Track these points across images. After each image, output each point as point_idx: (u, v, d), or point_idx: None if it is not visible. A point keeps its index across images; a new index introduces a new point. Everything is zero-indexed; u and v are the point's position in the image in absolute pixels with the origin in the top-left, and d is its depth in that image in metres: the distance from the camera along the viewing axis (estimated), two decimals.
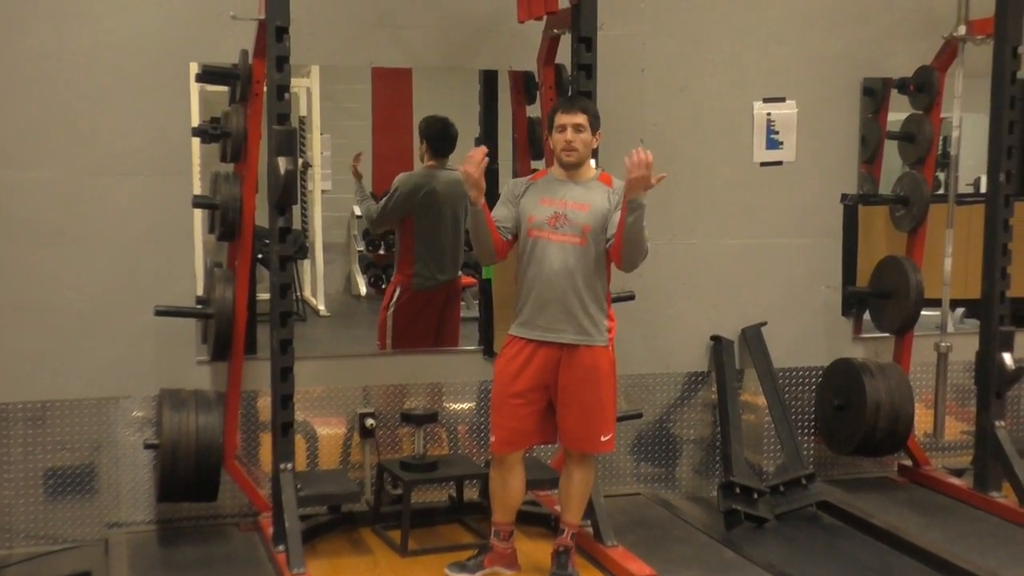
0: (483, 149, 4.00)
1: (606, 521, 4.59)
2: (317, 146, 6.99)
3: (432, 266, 5.64)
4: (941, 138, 5.78)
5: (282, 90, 4.29)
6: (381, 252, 7.37)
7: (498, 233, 4.15)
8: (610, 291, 4.28)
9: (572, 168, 4.18)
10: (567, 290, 4.11)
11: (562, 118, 4.14)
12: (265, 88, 4.47)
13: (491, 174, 5.69)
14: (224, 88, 4.83)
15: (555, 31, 4.89)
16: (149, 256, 4.83)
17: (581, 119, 4.13)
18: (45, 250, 4.72)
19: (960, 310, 6.25)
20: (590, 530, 4.61)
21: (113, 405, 4.85)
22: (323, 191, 7.08)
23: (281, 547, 4.33)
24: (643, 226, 4.00)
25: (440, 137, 5.71)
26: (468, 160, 3.98)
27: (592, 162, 4.44)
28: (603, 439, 4.24)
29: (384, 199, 5.70)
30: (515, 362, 4.19)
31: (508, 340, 4.26)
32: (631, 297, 5.13)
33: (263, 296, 4.75)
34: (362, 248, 7.66)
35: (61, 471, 4.80)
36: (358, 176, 5.94)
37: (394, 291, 5.65)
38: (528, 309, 4.18)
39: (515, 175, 5.18)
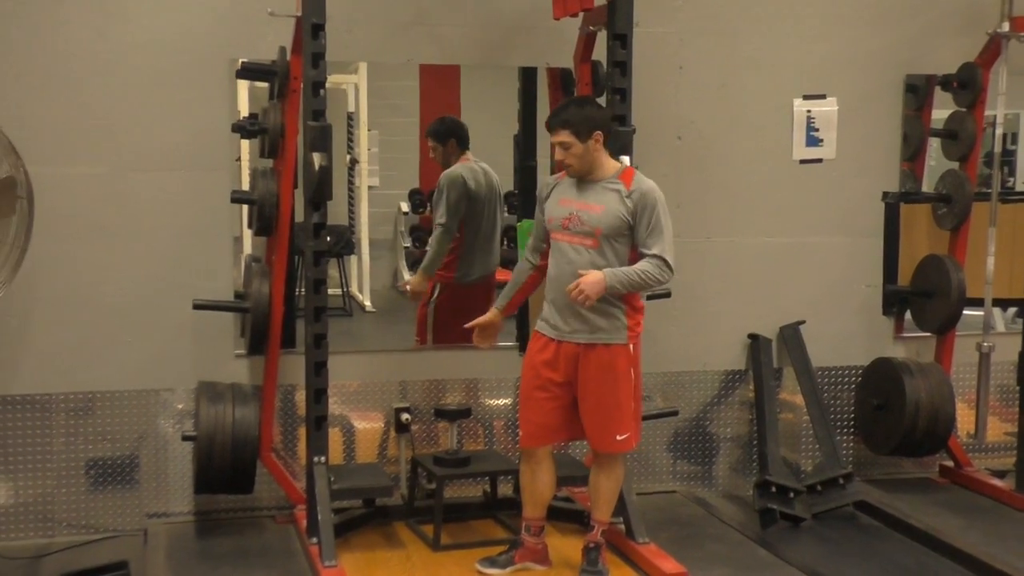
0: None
1: (638, 518, 4.59)
2: (365, 142, 7.04)
3: (473, 261, 5.67)
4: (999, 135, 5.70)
5: (318, 86, 4.33)
6: (427, 248, 7.42)
7: (525, 287, 4.45)
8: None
9: (581, 175, 4.19)
10: None
11: (551, 137, 4.18)
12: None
13: (529, 171, 5.75)
14: None
15: (591, 28, 4.90)
16: (189, 251, 4.90)
17: (563, 136, 4.11)
18: (87, 245, 4.80)
19: (1012, 310, 6.17)
20: (622, 527, 4.61)
21: (154, 397, 4.92)
22: (370, 187, 7.13)
23: (315, 539, 4.38)
24: (634, 282, 4.05)
25: (463, 131, 5.75)
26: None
27: (625, 158, 4.45)
28: (619, 438, 4.21)
29: (438, 206, 5.69)
30: (540, 357, 4.22)
31: (534, 335, 4.28)
32: (667, 295, 5.11)
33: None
34: (408, 244, 7.70)
35: (102, 462, 4.88)
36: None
37: (435, 286, 5.68)
38: (548, 307, 4.22)
39: (552, 172, 5.19)
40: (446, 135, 5.74)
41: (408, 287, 6.02)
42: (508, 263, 5.89)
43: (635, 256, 4.12)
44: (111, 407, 4.87)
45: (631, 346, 4.17)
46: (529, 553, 4.37)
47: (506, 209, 6.09)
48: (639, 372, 4.24)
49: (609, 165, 4.21)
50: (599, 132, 4.14)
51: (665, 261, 4.06)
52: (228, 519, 4.99)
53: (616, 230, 4.10)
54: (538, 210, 4.35)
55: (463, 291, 5.65)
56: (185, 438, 4.75)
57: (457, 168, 5.69)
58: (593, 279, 3.99)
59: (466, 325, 4.44)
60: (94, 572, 4.16)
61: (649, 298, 4.93)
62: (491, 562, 4.37)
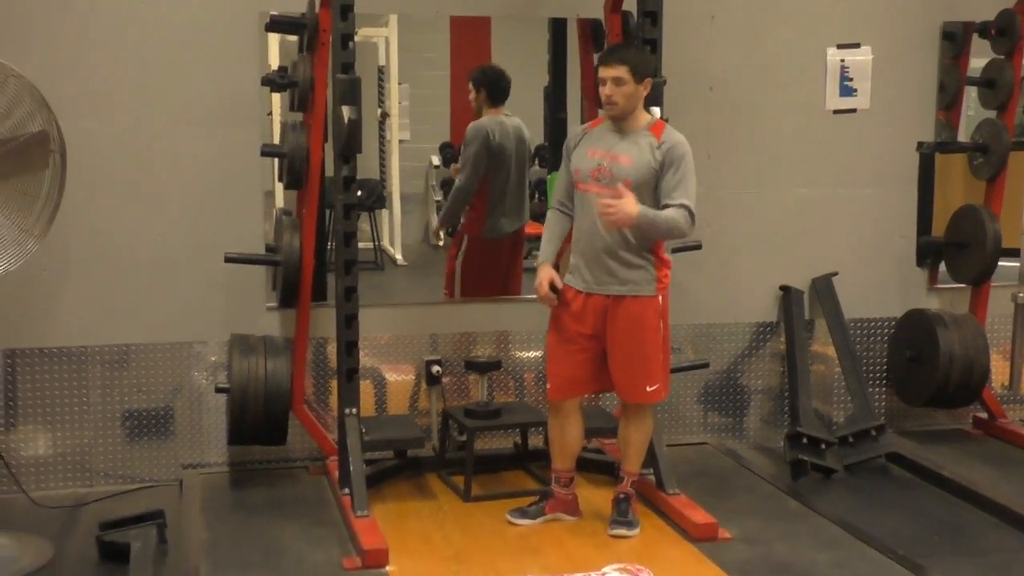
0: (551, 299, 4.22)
1: (668, 469, 4.60)
2: (395, 96, 6.99)
3: (501, 215, 5.65)
4: None
5: (346, 39, 4.32)
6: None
7: (565, 236, 4.31)
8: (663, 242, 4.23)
9: (618, 119, 4.15)
10: (608, 244, 4.11)
11: (602, 71, 4.11)
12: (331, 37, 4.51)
13: (559, 123, 5.72)
14: None
15: None
16: (220, 204, 4.92)
17: (621, 71, 4.07)
18: (119, 199, 4.83)
19: None
20: (652, 478, 4.63)
21: (187, 350, 4.97)
22: (401, 141, 7.10)
23: (347, 490, 4.42)
24: (661, 224, 4.04)
25: (497, 84, 5.69)
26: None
27: (656, 110, 4.41)
28: (649, 389, 4.23)
29: (463, 159, 5.68)
30: (568, 309, 4.22)
31: (563, 288, 4.27)
32: (698, 246, 5.08)
33: None
34: (440, 198, 7.68)
35: (138, 413, 4.94)
36: None
37: (463, 239, 5.69)
38: (577, 260, 4.20)
39: (582, 124, 5.17)
40: (478, 84, 5.70)
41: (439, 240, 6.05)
42: (539, 217, 5.87)
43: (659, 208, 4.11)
44: (146, 359, 4.93)
45: (660, 298, 4.18)
46: (559, 504, 4.40)
47: (536, 162, 6.06)
48: (667, 324, 4.25)
49: (643, 117, 4.20)
50: (650, 80, 4.17)
51: (690, 211, 4.07)
52: (262, 470, 5.05)
53: (646, 182, 4.09)
54: (565, 160, 4.32)
55: (491, 245, 5.65)
56: (219, 390, 4.79)
57: (483, 121, 5.66)
58: (628, 207, 3.97)
59: (540, 294, 4.25)
60: (131, 521, 4.22)
61: (680, 250, 4.94)
62: (522, 512, 4.41)
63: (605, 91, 4.10)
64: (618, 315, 4.15)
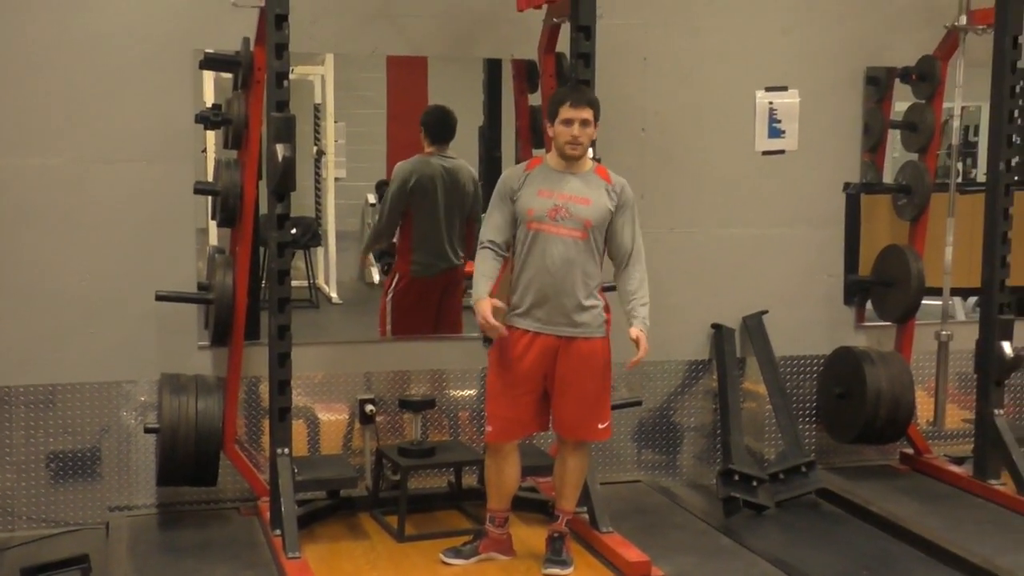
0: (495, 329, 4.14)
1: (602, 507, 4.61)
2: (331, 134, 6.98)
3: (430, 253, 5.65)
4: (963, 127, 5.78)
5: (281, 77, 4.32)
6: (395, 241, 7.39)
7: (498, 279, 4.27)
8: (602, 281, 4.29)
9: (570, 160, 4.19)
10: (568, 283, 4.14)
11: (569, 112, 4.12)
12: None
13: (494, 162, 5.75)
14: None
15: (555, 19, 4.90)
16: (152, 242, 4.87)
17: (588, 114, 4.13)
18: (48, 235, 4.76)
19: (972, 299, 6.24)
20: (586, 516, 4.63)
21: (116, 389, 4.89)
22: (337, 179, 7.08)
23: (278, 531, 4.36)
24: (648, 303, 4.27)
25: (437, 124, 5.71)
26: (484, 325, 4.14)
27: (589, 150, 4.47)
28: (600, 427, 4.28)
29: (383, 198, 5.72)
30: (513, 351, 4.19)
31: (509, 330, 4.20)
32: None
33: None
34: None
35: (64, 454, 4.85)
36: None
37: (394, 278, 5.69)
38: (527, 301, 4.18)
39: (517, 163, 5.20)
40: (422, 122, 5.73)
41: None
42: None
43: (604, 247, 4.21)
44: (73, 399, 4.84)
45: (607, 339, 4.25)
46: (493, 543, 4.39)
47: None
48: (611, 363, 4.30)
49: (586, 159, 4.25)
50: (598, 123, 4.24)
51: (642, 256, 4.23)
52: (192, 511, 4.97)
53: (602, 222, 4.17)
54: (501, 201, 4.25)
55: (421, 283, 5.65)
56: (148, 430, 4.72)
57: (407, 162, 5.67)
58: (644, 343, 4.15)
59: (487, 326, 4.14)
60: (55, 566, 4.11)
61: (613, 289, 4.97)
62: (456, 552, 4.38)
63: (572, 132, 4.11)
64: (570, 355, 4.17)
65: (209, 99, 5.35)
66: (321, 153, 7.01)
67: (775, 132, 5.63)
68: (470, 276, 5.52)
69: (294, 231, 4.53)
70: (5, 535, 4.72)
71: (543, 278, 4.15)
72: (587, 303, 4.16)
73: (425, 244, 5.65)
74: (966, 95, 5.53)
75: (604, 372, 4.25)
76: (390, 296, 5.64)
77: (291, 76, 4.39)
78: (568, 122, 4.12)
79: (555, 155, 4.23)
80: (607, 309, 4.26)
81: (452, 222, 5.67)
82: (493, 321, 4.10)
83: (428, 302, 5.61)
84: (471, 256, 5.76)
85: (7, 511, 4.78)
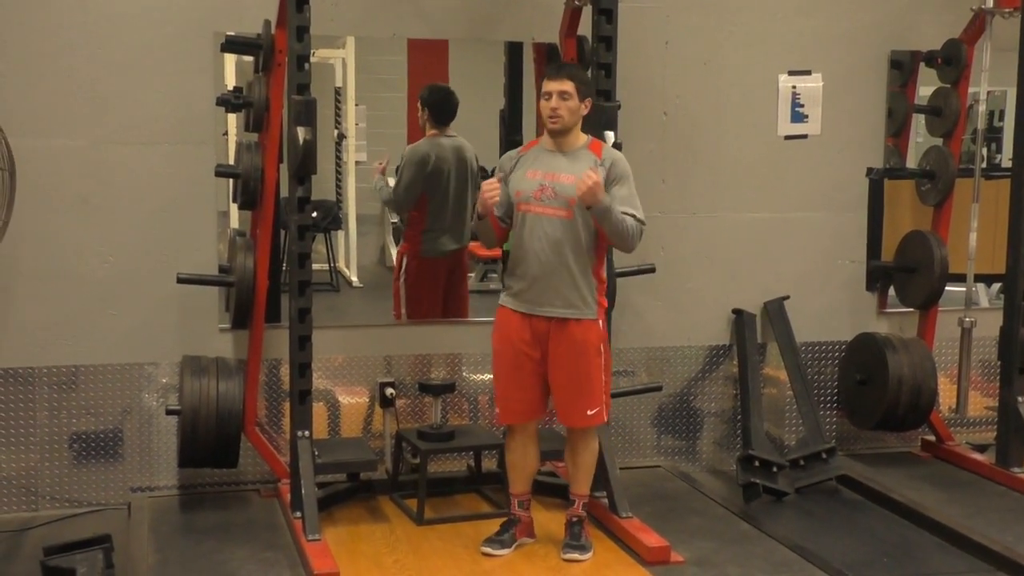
0: (495, 188, 4.06)
1: (621, 492, 4.61)
2: (352, 117, 6.99)
3: (440, 234, 5.66)
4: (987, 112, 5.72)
5: (302, 60, 4.32)
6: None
7: (501, 229, 4.22)
8: (602, 264, 4.25)
9: (559, 136, 4.15)
10: (555, 264, 4.10)
11: (548, 85, 4.10)
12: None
13: (514, 145, 5.67)
14: None
15: (577, 3, 4.88)
16: (173, 224, 4.88)
17: (567, 86, 4.08)
18: (70, 218, 4.78)
19: (996, 285, 6.19)
20: (605, 501, 4.63)
21: (138, 371, 4.91)
22: (357, 162, 7.09)
23: (298, 514, 4.39)
24: (617, 219, 4.02)
25: (441, 105, 5.71)
26: (481, 198, 4.07)
27: (610, 134, 4.45)
28: (589, 413, 4.21)
29: (397, 180, 5.71)
30: (517, 334, 4.18)
31: (499, 311, 4.25)
32: (652, 270, 5.14)
33: None
34: (395, 220, 7.68)
35: (86, 435, 4.88)
36: (382, 172, 5.96)
37: (402, 260, 5.70)
38: (518, 283, 4.17)
39: None
40: (424, 103, 5.73)
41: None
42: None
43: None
44: (95, 381, 4.86)
45: (600, 322, 4.19)
46: (524, 528, 4.39)
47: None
48: (608, 347, 4.26)
49: (581, 137, 4.20)
50: (590, 100, 4.19)
51: (642, 226, 4.12)
52: (212, 493, 5.00)
53: None
54: (499, 182, 4.22)
55: (430, 264, 5.66)
56: (169, 412, 4.74)
57: (420, 144, 5.68)
58: (601, 186, 3.96)
59: (486, 185, 4.09)
60: (77, 545, 4.14)
61: (633, 273, 4.97)
62: (498, 543, 4.31)
63: (551, 104, 4.09)
64: (561, 338, 4.14)
65: (230, 82, 5.37)
66: (342, 136, 7.02)
67: (798, 116, 5.59)
68: (475, 258, 5.53)
69: (315, 214, 4.53)
70: (29, 514, 4.75)
71: (531, 259, 4.13)
72: (577, 283, 4.12)
73: (437, 224, 5.66)
74: (992, 79, 5.47)
75: (595, 356, 4.17)
76: (403, 279, 5.66)
77: (312, 59, 4.38)
78: (548, 95, 4.10)
79: (547, 136, 4.21)
80: (600, 291, 4.20)
81: (461, 204, 5.67)
82: (493, 183, 4.09)
83: (438, 282, 5.63)
84: (475, 237, 5.81)
85: (31, 491, 4.82)
